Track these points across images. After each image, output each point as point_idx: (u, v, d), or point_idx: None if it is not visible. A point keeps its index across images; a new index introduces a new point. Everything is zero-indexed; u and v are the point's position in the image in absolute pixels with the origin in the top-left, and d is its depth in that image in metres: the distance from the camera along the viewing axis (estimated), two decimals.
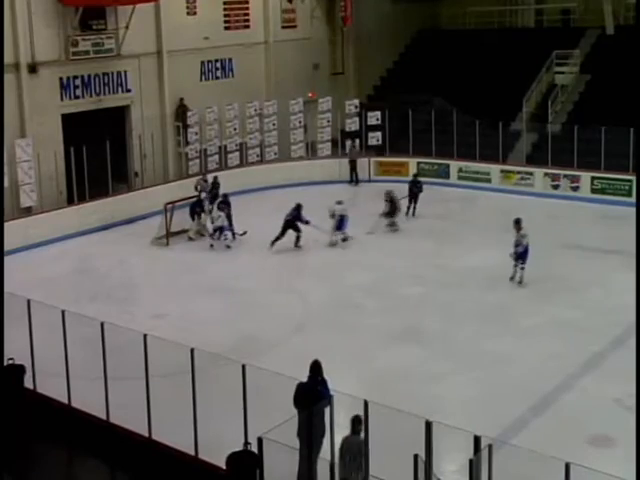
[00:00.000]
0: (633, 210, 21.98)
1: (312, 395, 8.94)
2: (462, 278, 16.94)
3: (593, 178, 24.03)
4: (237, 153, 25.98)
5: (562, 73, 27.77)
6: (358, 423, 8.49)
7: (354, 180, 26.31)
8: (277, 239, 19.10)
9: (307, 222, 19.19)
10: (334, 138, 27.18)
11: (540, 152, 25.51)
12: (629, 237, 18.93)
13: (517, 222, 16.94)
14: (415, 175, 23.20)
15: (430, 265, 18.00)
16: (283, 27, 28.53)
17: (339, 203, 19.74)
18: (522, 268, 16.54)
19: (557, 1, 31.62)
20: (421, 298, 15.95)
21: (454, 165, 26.14)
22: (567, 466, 6.90)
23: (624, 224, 20.61)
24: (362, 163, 26.55)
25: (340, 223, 19.45)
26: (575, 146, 24.35)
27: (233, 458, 8.90)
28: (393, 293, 16.28)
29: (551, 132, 25.67)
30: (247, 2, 27.28)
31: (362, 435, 8.35)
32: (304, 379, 9.42)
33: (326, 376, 9.58)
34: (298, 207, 19.40)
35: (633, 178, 22.94)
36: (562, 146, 24.60)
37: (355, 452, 8.37)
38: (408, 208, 21.79)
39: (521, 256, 16.58)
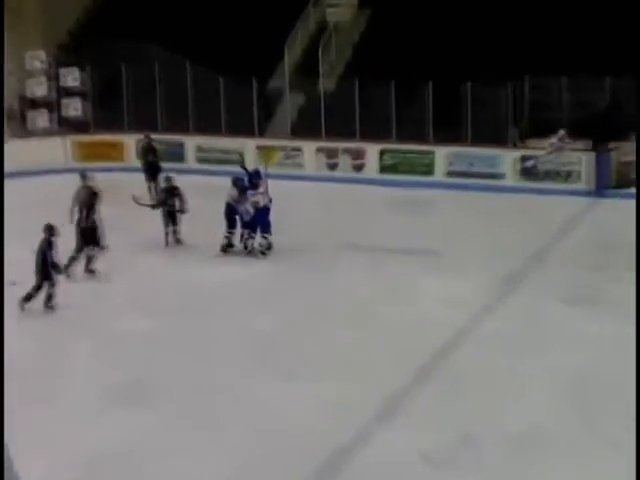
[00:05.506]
0: (435, 193, 23.15)
1: None
2: (207, 300, 16.78)
3: (382, 152, 25.02)
4: None
5: (335, 6, 28.74)
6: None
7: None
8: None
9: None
10: (11, 108, 26.54)
11: (310, 119, 26.23)
12: (432, 230, 19.93)
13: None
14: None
15: (158, 285, 17.73)
16: None
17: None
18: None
19: None
20: (149, 335, 15.53)
21: (190, 142, 26.24)
22: None
23: (425, 212, 21.43)
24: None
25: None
26: (357, 109, 25.22)
27: None
28: (105, 329, 15.74)
29: (324, 90, 26.30)
30: None
31: None
32: None
33: None
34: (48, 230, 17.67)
35: (435, 149, 24.06)
36: (339, 109, 25.47)
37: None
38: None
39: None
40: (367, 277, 17.75)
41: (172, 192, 20.25)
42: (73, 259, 17.92)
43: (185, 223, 20.37)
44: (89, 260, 18.12)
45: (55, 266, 16.41)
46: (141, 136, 25.64)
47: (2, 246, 15.32)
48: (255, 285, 17.76)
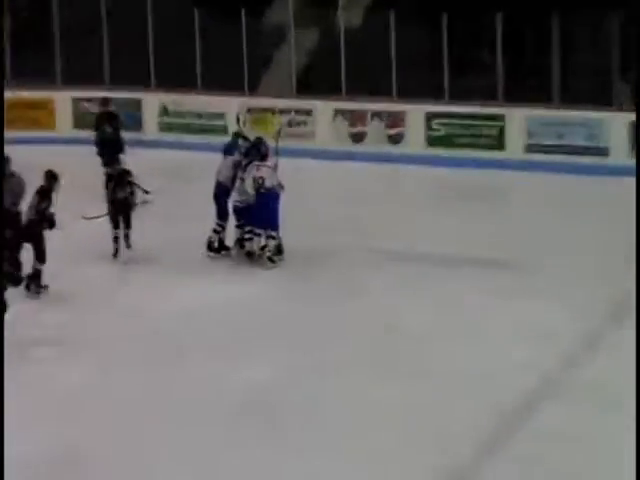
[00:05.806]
0: (509, 177, 23.14)
1: None
2: (181, 334, 16.74)
3: (430, 116, 25.43)
4: None
5: None
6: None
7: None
8: None
9: None
10: None
11: (324, 68, 26.33)
12: (505, 231, 19.89)
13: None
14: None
15: (110, 314, 17.69)
16: None
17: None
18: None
19: None
20: (99, 387, 15.40)
21: (151, 102, 26.95)
22: None
23: (494, 205, 21.41)
24: None
25: None
26: (392, 54, 25.42)
27: None
28: (41, 379, 15.34)
29: (344, 27, 26.24)
30: None
31: None
32: None
33: None
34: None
35: (507, 113, 24.32)
36: (367, 55, 25.61)
37: None
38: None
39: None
40: (411, 299, 17.84)
41: (122, 180, 20.38)
42: (39, 272, 18.63)
43: (142, 220, 20.53)
44: (36, 274, 18.74)
45: None
46: (80, 93, 25.76)
47: (2, 245, 16.69)
48: (255, 312, 17.65)
